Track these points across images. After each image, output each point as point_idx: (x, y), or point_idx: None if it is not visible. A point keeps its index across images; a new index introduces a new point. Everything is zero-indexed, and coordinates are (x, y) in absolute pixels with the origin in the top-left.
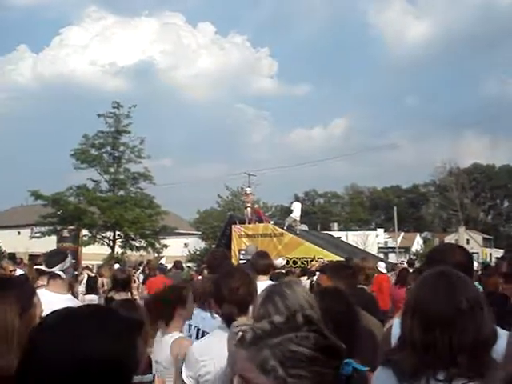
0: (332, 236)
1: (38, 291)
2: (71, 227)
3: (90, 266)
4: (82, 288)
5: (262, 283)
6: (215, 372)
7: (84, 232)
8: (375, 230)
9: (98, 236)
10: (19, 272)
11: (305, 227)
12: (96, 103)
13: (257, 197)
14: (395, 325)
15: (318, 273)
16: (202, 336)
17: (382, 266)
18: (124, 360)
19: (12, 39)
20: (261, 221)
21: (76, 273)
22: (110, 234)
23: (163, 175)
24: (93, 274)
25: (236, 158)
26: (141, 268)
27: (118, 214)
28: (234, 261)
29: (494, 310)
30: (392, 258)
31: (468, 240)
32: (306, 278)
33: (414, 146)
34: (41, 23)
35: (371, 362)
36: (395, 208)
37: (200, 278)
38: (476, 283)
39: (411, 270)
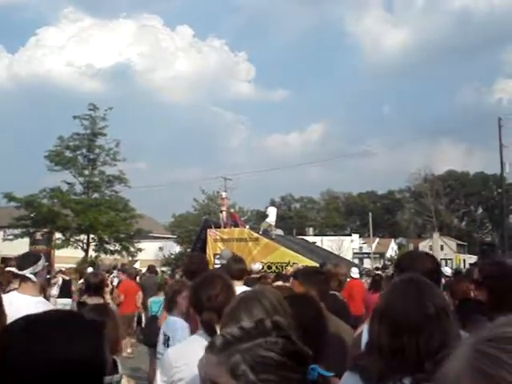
0: (307, 241)
1: (9, 294)
2: (44, 230)
3: (64, 269)
4: (54, 291)
5: (237, 288)
6: (189, 379)
7: (57, 235)
8: (350, 235)
9: (71, 239)
10: None
11: (280, 232)
12: (72, 105)
13: (233, 201)
14: (365, 330)
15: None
16: (168, 340)
17: (354, 272)
18: (92, 362)
19: None
20: (236, 225)
21: (49, 276)
22: (83, 237)
23: (138, 178)
24: (67, 278)
25: (212, 162)
26: (115, 272)
27: (93, 217)
28: (209, 265)
29: (471, 317)
30: (367, 263)
31: (442, 246)
32: (281, 282)
33: (390, 152)
34: (17, 23)
35: (339, 368)
36: (370, 214)
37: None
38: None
39: (384, 276)
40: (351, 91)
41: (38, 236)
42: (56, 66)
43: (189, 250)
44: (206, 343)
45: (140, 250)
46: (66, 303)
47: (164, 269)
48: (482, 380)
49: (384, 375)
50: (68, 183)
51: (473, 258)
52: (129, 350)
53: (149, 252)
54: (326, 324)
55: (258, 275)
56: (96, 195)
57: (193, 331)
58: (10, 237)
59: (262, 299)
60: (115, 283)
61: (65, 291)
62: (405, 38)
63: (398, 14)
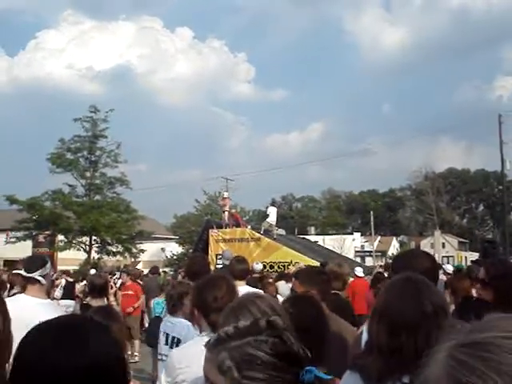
0: (309, 240)
1: (17, 297)
2: (47, 232)
3: (68, 271)
4: (57, 293)
5: (240, 288)
6: (193, 380)
7: (60, 237)
8: (352, 233)
9: (74, 241)
10: None
11: (282, 231)
12: (73, 107)
13: (234, 201)
14: (365, 329)
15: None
16: (172, 342)
17: (359, 271)
18: (110, 368)
19: None
20: (238, 225)
21: (52, 278)
22: (86, 239)
23: (140, 180)
24: (71, 280)
25: (213, 163)
26: (118, 273)
27: (94, 219)
28: (211, 266)
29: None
30: (369, 261)
31: (443, 244)
32: (283, 282)
33: (391, 150)
34: (16, 26)
35: (341, 367)
36: (372, 212)
37: None
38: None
39: (387, 274)
40: (351, 90)
41: (41, 238)
42: (56, 69)
43: (191, 250)
44: None
45: (142, 251)
46: (69, 305)
47: (166, 270)
48: None
49: (383, 374)
50: (70, 185)
51: (474, 256)
52: (136, 352)
53: (151, 253)
54: (327, 323)
55: (259, 275)
56: (98, 197)
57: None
58: (13, 239)
59: (251, 306)
60: (118, 285)
61: (68, 293)
62: (404, 36)
63: (396, 13)
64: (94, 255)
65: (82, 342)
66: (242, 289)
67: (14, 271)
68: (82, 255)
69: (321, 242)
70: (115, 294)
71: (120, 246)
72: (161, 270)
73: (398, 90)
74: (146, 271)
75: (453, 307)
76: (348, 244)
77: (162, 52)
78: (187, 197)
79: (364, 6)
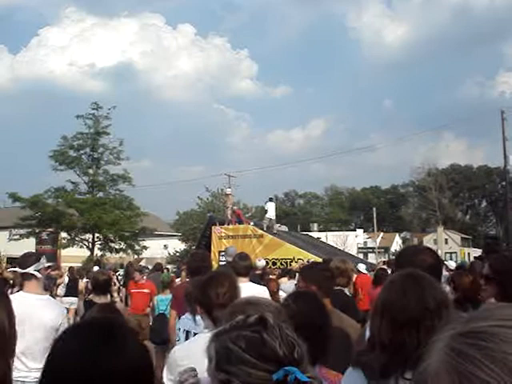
0: (311, 237)
1: (16, 294)
2: (50, 230)
3: (73, 267)
4: (59, 290)
5: (243, 285)
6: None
7: (63, 234)
8: (355, 230)
9: (76, 238)
10: None
11: (285, 228)
12: (75, 104)
13: (237, 198)
14: (367, 326)
15: (297, 274)
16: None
17: (362, 267)
18: (143, 373)
19: None
20: (241, 222)
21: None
22: (88, 236)
23: (142, 176)
24: (76, 276)
25: (216, 160)
26: (120, 270)
27: (97, 216)
28: (213, 262)
29: None
30: (371, 258)
31: (446, 240)
32: (286, 279)
33: (393, 147)
34: (18, 24)
35: (343, 362)
36: (374, 208)
37: (178, 280)
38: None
39: (390, 271)
40: (353, 86)
41: (44, 236)
42: (58, 66)
43: (193, 247)
44: None
45: (145, 247)
46: (72, 301)
47: (169, 266)
48: (456, 377)
49: (386, 370)
50: (72, 183)
51: (477, 252)
52: None
53: (154, 250)
54: (330, 319)
55: (261, 271)
56: (100, 194)
57: None
58: (16, 237)
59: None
60: (123, 282)
61: (71, 289)
62: (406, 31)
63: (398, 9)
64: (97, 252)
65: (120, 346)
66: (246, 285)
67: (10, 269)
68: (85, 252)
69: (323, 239)
70: (119, 291)
71: (123, 243)
72: (163, 267)
73: (401, 86)
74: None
75: None
76: (351, 240)
77: (164, 49)
78: (190, 194)
79: (366, 2)
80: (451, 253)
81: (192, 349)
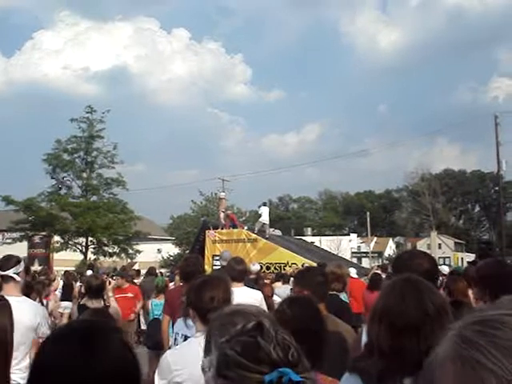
0: (305, 241)
1: None
2: (43, 233)
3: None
4: (53, 296)
5: (238, 289)
6: (189, 381)
7: (56, 238)
8: (348, 234)
9: (70, 242)
10: None
11: (278, 232)
12: (69, 108)
13: (231, 202)
14: (364, 331)
15: (292, 278)
16: None
17: (352, 272)
18: (128, 374)
19: None
20: (234, 226)
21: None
22: (82, 239)
23: (136, 180)
24: (71, 282)
25: (210, 164)
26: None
27: (91, 220)
28: (207, 267)
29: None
30: (365, 262)
31: (440, 244)
32: (280, 283)
33: (387, 151)
34: (13, 27)
35: (339, 367)
36: (368, 213)
37: (171, 284)
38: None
39: (384, 275)
40: (347, 91)
41: (37, 239)
42: (53, 70)
43: (187, 251)
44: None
45: (138, 251)
46: (66, 306)
47: (162, 270)
48: (460, 363)
49: (384, 376)
50: (66, 186)
51: (471, 256)
52: None
53: (147, 254)
54: (325, 324)
55: (255, 276)
56: (94, 198)
57: None
58: (9, 240)
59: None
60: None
61: (66, 294)
62: (400, 37)
63: (392, 14)
64: (91, 256)
65: (101, 349)
66: (240, 290)
67: None
68: (79, 256)
69: (317, 243)
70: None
71: (116, 247)
72: (157, 271)
73: (395, 91)
74: (142, 272)
75: None
76: (344, 245)
77: (158, 53)
78: (184, 198)
79: (360, 8)
80: (444, 257)
81: (184, 353)
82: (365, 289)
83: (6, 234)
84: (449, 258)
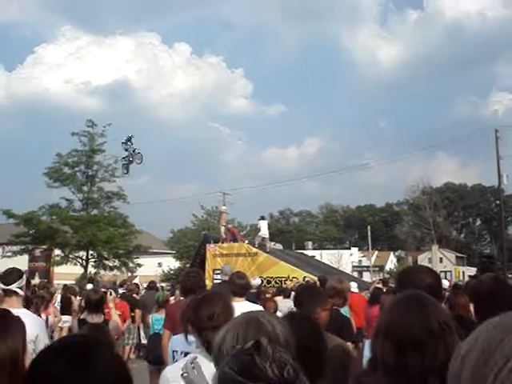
0: (306, 255)
1: None
2: (43, 247)
3: (67, 285)
4: (52, 309)
5: (239, 304)
6: None
7: (56, 251)
8: (349, 248)
9: (70, 255)
10: None
11: (279, 246)
12: (70, 122)
13: (232, 216)
14: (366, 346)
15: (292, 292)
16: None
17: (354, 286)
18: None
19: None
20: (235, 240)
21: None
22: (82, 253)
23: (137, 194)
24: (69, 295)
25: (211, 178)
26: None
27: (91, 234)
28: (208, 281)
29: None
30: (366, 276)
31: (441, 258)
32: (281, 298)
33: (388, 165)
34: (14, 41)
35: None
36: (369, 227)
37: (172, 298)
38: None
39: (385, 290)
40: (348, 105)
41: (37, 253)
42: (54, 84)
43: (188, 265)
44: (203, 361)
45: (139, 265)
46: (66, 320)
47: (163, 284)
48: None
49: None
50: (67, 200)
51: (472, 270)
52: None
53: (148, 268)
54: (325, 342)
55: (256, 290)
56: (95, 211)
57: None
58: (9, 254)
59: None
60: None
61: (64, 308)
62: (400, 52)
63: (392, 29)
64: (91, 270)
65: (93, 362)
66: (242, 305)
67: None
68: (79, 270)
69: (318, 257)
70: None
71: (117, 261)
72: (158, 285)
73: (395, 105)
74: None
75: None
76: (345, 259)
77: (159, 67)
78: (185, 211)
79: (360, 23)
80: (446, 271)
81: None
82: (365, 303)
83: (6, 247)
84: (450, 272)
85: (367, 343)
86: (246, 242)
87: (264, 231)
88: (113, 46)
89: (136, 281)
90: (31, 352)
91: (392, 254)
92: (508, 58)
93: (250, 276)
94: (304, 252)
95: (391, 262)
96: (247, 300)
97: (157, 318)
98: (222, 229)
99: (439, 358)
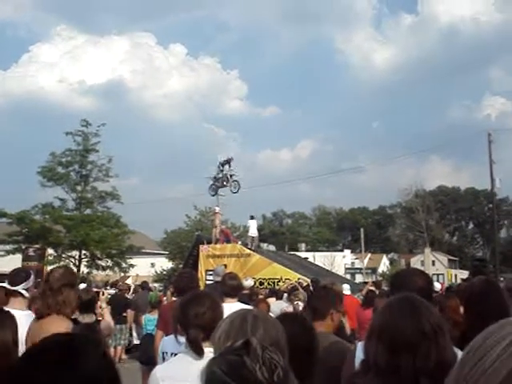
0: (299, 257)
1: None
2: (36, 246)
3: None
4: None
5: (232, 305)
6: None
7: (49, 251)
8: (342, 250)
9: (63, 255)
10: None
11: (272, 247)
12: (64, 121)
13: (225, 217)
14: (359, 348)
15: (285, 294)
16: None
17: (346, 288)
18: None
19: None
20: (228, 241)
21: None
22: (75, 253)
23: (131, 194)
24: None
25: (204, 178)
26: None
27: (84, 233)
28: (200, 282)
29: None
30: (359, 278)
31: (433, 261)
32: (274, 299)
33: (381, 168)
34: (10, 40)
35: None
36: (362, 229)
37: (165, 299)
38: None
39: (378, 292)
40: (342, 108)
41: (30, 252)
42: (49, 83)
43: (181, 266)
44: (191, 360)
45: (132, 265)
46: None
47: (156, 285)
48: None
49: None
50: (60, 199)
51: (464, 273)
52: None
53: (141, 268)
54: (317, 342)
55: (248, 291)
56: (88, 211)
57: None
58: (2, 253)
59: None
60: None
61: None
62: (394, 55)
63: (386, 33)
64: (84, 269)
65: (79, 361)
66: (234, 306)
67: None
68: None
69: (311, 259)
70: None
71: (110, 261)
72: (150, 285)
73: (389, 108)
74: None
75: None
76: (338, 261)
77: (155, 68)
78: (178, 212)
79: (355, 26)
80: (438, 274)
81: (173, 368)
82: (358, 306)
83: None
84: (442, 274)
85: (359, 345)
86: (239, 243)
87: (253, 230)
88: (108, 46)
89: (128, 281)
90: None
91: (385, 256)
92: (501, 63)
93: (242, 277)
94: (297, 254)
95: (384, 265)
96: (239, 301)
97: (150, 319)
98: (216, 230)
99: (431, 360)
